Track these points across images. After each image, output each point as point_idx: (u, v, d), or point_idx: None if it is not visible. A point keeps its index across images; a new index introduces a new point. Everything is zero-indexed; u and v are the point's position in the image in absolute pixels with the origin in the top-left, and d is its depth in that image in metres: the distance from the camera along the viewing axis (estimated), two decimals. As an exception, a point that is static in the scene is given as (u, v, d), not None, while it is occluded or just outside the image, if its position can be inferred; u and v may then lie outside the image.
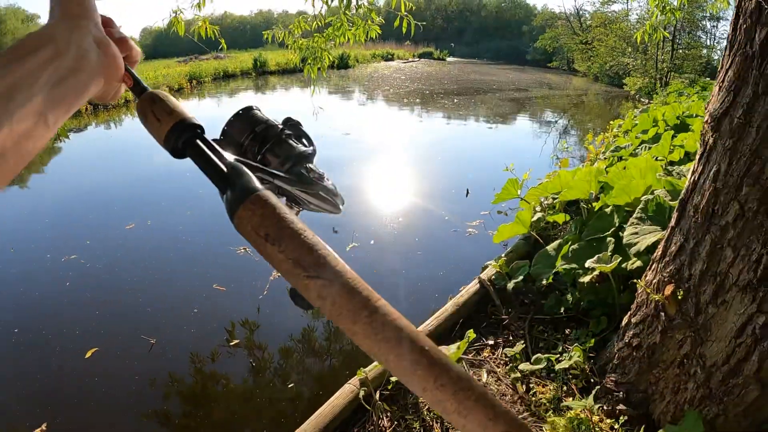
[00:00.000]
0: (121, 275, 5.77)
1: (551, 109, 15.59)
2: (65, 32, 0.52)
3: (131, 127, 17.60)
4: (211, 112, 18.45)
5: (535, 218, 4.99)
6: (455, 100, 16.57)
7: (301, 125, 0.85)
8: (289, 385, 3.90)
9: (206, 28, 4.87)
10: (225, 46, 5.23)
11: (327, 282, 0.46)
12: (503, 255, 4.66)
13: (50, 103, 0.48)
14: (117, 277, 5.74)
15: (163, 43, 49.03)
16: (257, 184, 0.52)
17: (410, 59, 34.76)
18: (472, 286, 4.27)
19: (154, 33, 53.71)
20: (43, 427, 3.64)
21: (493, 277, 4.36)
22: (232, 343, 4.33)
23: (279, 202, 0.51)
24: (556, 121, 14.69)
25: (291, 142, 0.80)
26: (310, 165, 0.82)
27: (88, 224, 7.64)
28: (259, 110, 0.83)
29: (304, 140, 0.84)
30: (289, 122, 0.84)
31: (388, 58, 33.95)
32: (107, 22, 0.63)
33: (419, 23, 4.58)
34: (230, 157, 0.58)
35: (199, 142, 0.61)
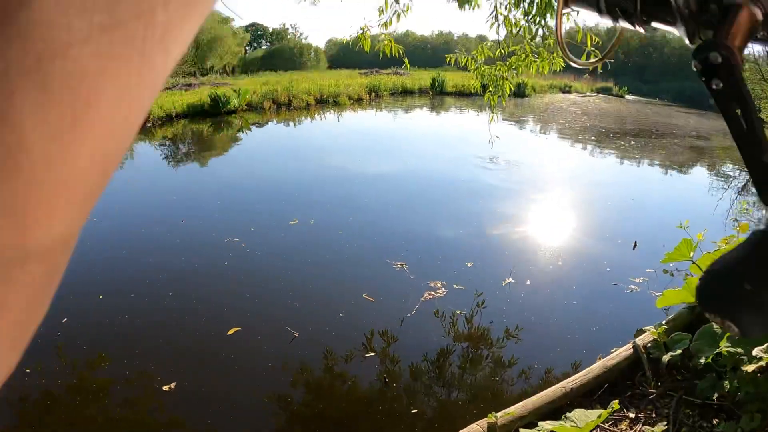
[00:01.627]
0: (277, 266, 6.12)
1: (732, 162, 14.12)
2: None
3: (309, 128, 18.74)
4: (386, 123, 19.10)
5: (705, 287, 4.47)
6: (631, 142, 15.64)
7: None
8: (412, 408, 3.85)
9: (391, 47, 4.99)
10: (408, 65, 5.33)
11: None
12: (663, 322, 4.24)
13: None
14: (272, 267, 6.10)
15: (347, 54, 51.82)
16: None
17: (588, 93, 33.43)
18: (625, 350, 3.94)
19: (339, 44, 56.96)
20: (172, 385, 4.00)
21: (649, 344, 3.99)
22: (367, 355, 4.38)
23: None
24: (736, 177, 13.29)
25: None
26: None
27: (254, 212, 8.24)
28: None
29: None
30: None
31: (566, 90, 32.94)
32: None
33: (606, 60, 4.35)
34: None
35: None
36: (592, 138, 16.15)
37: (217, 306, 5.21)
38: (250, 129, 18.49)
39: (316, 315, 5.06)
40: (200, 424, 3.64)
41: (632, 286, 5.66)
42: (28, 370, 4.29)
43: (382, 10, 5.12)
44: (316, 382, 4.11)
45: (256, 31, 59.31)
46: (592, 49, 4.21)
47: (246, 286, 5.66)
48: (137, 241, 7.11)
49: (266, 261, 6.30)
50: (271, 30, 60.41)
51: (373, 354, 4.39)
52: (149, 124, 19.12)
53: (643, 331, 4.23)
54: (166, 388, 3.96)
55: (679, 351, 3.76)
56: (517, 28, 4.88)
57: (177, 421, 3.68)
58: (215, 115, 20.81)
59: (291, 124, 19.36)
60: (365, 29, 5.15)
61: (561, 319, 5.01)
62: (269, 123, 19.63)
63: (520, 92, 27.48)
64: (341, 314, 5.04)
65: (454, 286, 5.53)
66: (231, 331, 4.70)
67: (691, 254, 4.44)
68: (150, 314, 5.15)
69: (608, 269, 6.07)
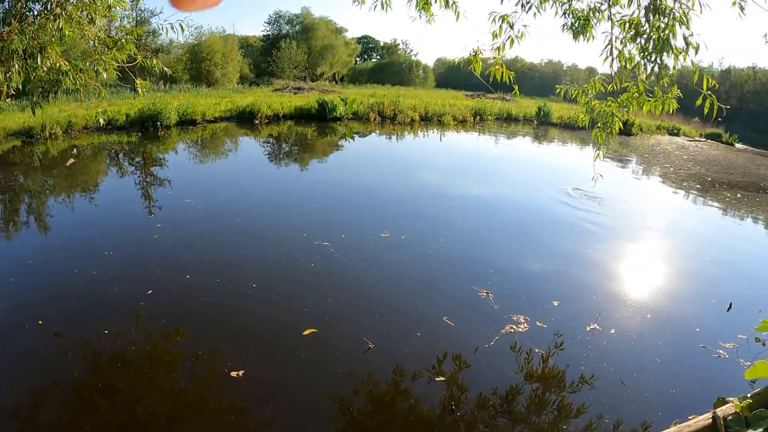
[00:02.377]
0: (362, 275, 6.21)
1: None
2: None
3: (410, 144, 18.94)
4: (488, 148, 19.00)
5: (802, 364, 4.11)
6: (738, 195, 14.62)
7: None
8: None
9: (503, 72, 4.97)
10: (518, 92, 5.28)
11: None
12: (749, 395, 3.92)
13: None
14: (357, 276, 6.20)
15: (455, 75, 51.99)
16: None
17: (696, 138, 31.66)
18: (703, 420, 3.67)
19: (447, 64, 57.24)
20: (240, 372, 4.14)
21: (729, 417, 3.70)
22: (437, 378, 4.34)
23: None
24: None
25: None
26: None
27: (347, 220, 8.43)
28: None
29: None
30: None
31: (673, 132, 31.33)
32: None
33: (722, 106, 4.10)
34: None
35: None
36: (697, 186, 15.26)
37: (297, 304, 5.36)
38: (353, 137, 18.95)
39: (394, 329, 5.07)
40: (260, 414, 3.74)
41: (721, 351, 5.22)
42: (106, 331, 4.60)
43: (496, 34, 5.11)
44: (380, 394, 4.11)
45: (367, 44, 60.71)
46: (709, 93, 3.99)
47: (328, 290, 5.77)
48: (230, 230, 7.47)
49: (352, 269, 6.40)
50: (382, 44, 61.63)
51: (441, 378, 4.34)
52: (257, 122, 19.99)
53: (725, 402, 3.92)
54: (234, 374, 4.10)
55: (760, 429, 3.47)
56: (632, 64, 4.72)
57: (238, 406, 3.79)
58: (321, 120, 21.51)
59: (393, 137, 19.63)
60: (478, 51, 5.15)
61: (640, 375, 4.70)
62: (372, 134, 20.01)
63: (625, 130, 26.48)
64: (419, 333, 5.01)
65: (537, 323, 5.37)
66: (307, 332, 4.80)
67: (791, 326, 4.10)
68: (231, 301, 5.38)
69: (697, 329, 5.66)
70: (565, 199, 11.03)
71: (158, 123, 17.33)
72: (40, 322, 4.73)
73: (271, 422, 3.67)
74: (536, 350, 4.86)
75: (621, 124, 5.59)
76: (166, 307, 5.15)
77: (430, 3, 4.94)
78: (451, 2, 4.99)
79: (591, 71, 45.07)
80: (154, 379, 4.04)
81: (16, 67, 3.82)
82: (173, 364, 4.22)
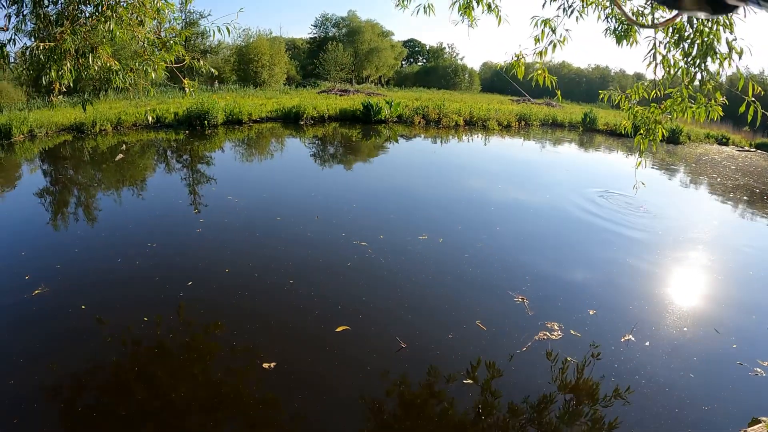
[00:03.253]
0: (398, 276, 6.26)
1: None
2: None
3: (454, 148, 18.91)
4: (532, 153, 18.80)
5: None
6: (787, 208, 14.10)
7: None
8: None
9: (545, 77, 4.94)
10: (560, 97, 5.25)
11: None
12: (786, 416, 3.80)
13: None
14: (393, 277, 6.25)
15: (501, 79, 51.47)
16: None
17: (746, 148, 30.47)
18: (736, 438, 3.59)
19: (493, 68, 56.78)
20: (272, 364, 4.25)
21: (763, 435, 3.60)
22: (467, 381, 4.34)
23: None
24: None
25: None
26: None
27: (386, 221, 8.52)
28: None
29: None
30: None
31: (722, 141, 30.29)
32: None
33: (766, 113, 3.98)
34: None
35: None
36: (744, 198, 14.71)
37: (332, 302, 5.44)
38: (397, 140, 19.03)
39: (427, 330, 5.09)
40: (291, 407, 3.81)
41: (758, 369, 5.01)
42: (146, 319, 4.78)
43: (538, 38, 5.09)
44: (411, 396, 4.13)
45: (413, 47, 60.71)
46: (753, 99, 3.88)
47: (364, 290, 5.84)
48: (271, 227, 7.64)
49: (389, 269, 6.45)
50: (428, 47, 61.54)
51: (472, 382, 4.33)
52: (302, 122, 20.27)
53: (759, 421, 3.82)
54: (265, 365, 4.21)
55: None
56: (675, 69, 4.62)
57: (270, 398, 3.88)
58: (366, 122, 21.68)
59: (438, 141, 19.66)
60: (520, 56, 5.13)
61: (673, 390, 4.56)
62: (416, 137, 20.06)
63: (674, 138, 25.76)
64: (450, 335, 5.02)
65: (571, 331, 5.30)
66: (340, 329, 4.88)
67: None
68: (268, 295, 5.51)
69: (735, 345, 5.47)
70: (608, 208, 10.83)
71: (205, 122, 17.84)
72: (83, 306, 4.95)
73: (298, 414, 3.74)
74: (570, 359, 4.80)
75: (666, 131, 5.48)
76: (205, 298, 5.32)
77: (473, 7, 4.93)
78: (493, 6, 4.97)
79: (639, 77, 44.00)
80: (190, 368, 4.18)
81: (68, 65, 4.00)
82: (210, 356, 4.36)
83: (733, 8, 0.64)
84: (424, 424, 3.86)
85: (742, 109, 3.92)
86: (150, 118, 16.14)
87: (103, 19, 3.98)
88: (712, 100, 4.44)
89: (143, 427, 3.51)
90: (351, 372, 4.30)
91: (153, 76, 4.58)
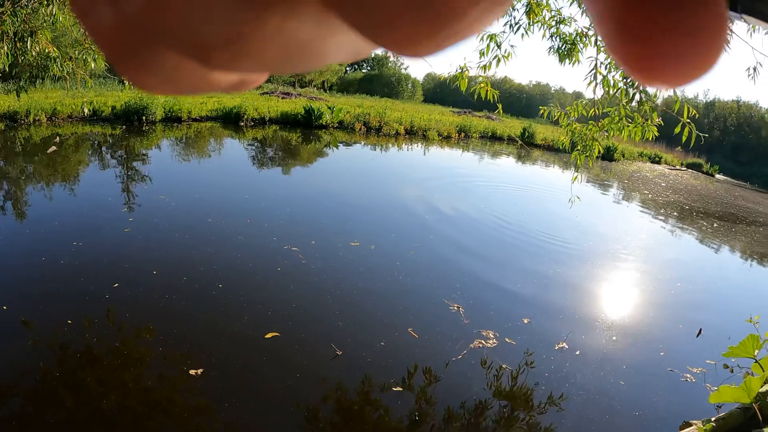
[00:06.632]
0: (328, 282, 6.17)
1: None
2: None
3: (394, 156, 19.03)
4: (471, 165, 19.11)
5: (764, 389, 4.15)
6: (714, 225, 14.84)
7: None
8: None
9: (487, 91, 5.01)
10: (501, 111, 5.33)
11: None
12: (713, 419, 3.97)
13: None
14: (324, 283, 6.15)
15: (443, 91, 52.42)
16: None
17: (677, 167, 32.16)
18: (667, 441, 3.71)
19: (436, 79, 57.75)
20: (199, 370, 4.09)
21: (694, 439, 3.74)
22: (400, 388, 4.32)
23: None
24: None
25: None
26: None
27: (319, 226, 8.44)
28: None
29: None
30: None
31: (655, 160, 31.84)
32: None
33: (701, 134, 4.18)
34: None
35: None
36: (674, 214, 15.48)
37: (261, 308, 5.30)
38: (337, 146, 18.95)
39: (361, 338, 5.01)
40: (224, 414, 3.68)
41: (688, 376, 5.28)
42: (70, 322, 4.53)
43: (483, 52, 5.16)
44: (348, 403, 4.05)
45: (357, 54, 60.76)
46: (688, 121, 4.07)
47: (294, 296, 5.72)
48: (201, 229, 7.40)
49: (319, 275, 6.35)
50: (372, 55, 61.64)
51: (404, 389, 4.31)
52: (242, 124, 19.94)
53: (689, 425, 3.97)
54: (193, 372, 4.05)
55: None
56: (615, 90, 4.79)
57: (203, 405, 3.74)
58: (307, 126, 21.51)
59: (377, 149, 19.70)
60: (464, 69, 5.20)
61: (604, 397, 4.71)
62: (356, 144, 20.05)
63: (608, 156, 26.89)
64: (382, 342, 4.97)
65: (506, 339, 5.38)
66: (269, 335, 4.75)
67: (756, 352, 4.16)
68: (196, 300, 5.32)
69: (662, 353, 5.72)
70: (543, 220, 11.15)
71: (143, 118, 17.19)
72: (4, 307, 4.65)
73: (232, 421, 3.62)
74: (505, 367, 4.86)
75: (602, 148, 5.67)
76: (131, 301, 5.07)
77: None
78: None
79: (578, 95, 45.53)
80: (121, 375, 3.97)
81: (5, 49, 3.77)
82: (141, 362, 4.16)
83: None
84: (363, 429, 3.83)
85: (677, 129, 4.09)
86: (86, 111, 15.46)
87: (45, 1, 3.78)
88: (649, 120, 4.62)
89: (69, 437, 3.32)
90: (280, 378, 4.19)
91: (92, 66, 4.39)
